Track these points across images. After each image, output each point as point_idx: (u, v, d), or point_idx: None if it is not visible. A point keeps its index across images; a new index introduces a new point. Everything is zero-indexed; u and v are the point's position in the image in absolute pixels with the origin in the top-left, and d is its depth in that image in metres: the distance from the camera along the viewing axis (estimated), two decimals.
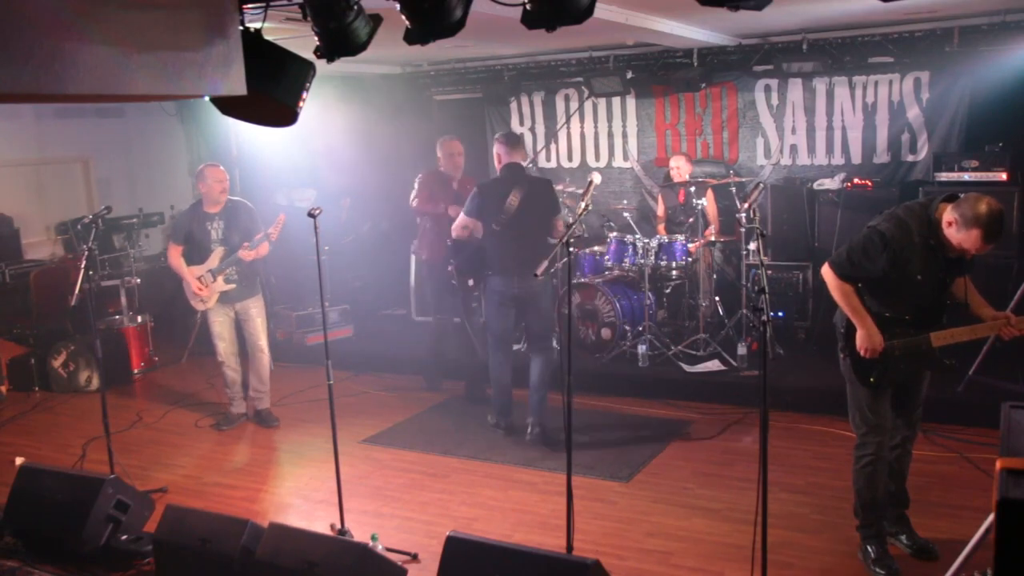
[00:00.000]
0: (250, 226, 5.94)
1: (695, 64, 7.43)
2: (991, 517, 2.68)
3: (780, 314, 7.02)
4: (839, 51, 6.90)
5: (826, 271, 3.72)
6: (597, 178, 4.42)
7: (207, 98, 3.03)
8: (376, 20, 3.32)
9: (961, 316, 3.72)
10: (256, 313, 6.10)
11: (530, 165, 8.06)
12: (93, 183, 9.09)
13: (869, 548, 3.84)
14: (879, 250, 3.55)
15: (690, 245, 6.81)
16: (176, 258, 6.00)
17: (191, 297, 6.05)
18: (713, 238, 6.84)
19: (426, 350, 6.90)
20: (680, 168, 7.28)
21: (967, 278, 3.71)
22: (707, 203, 7.00)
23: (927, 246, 3.53)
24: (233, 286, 5.96)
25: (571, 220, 4.31)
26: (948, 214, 3.46)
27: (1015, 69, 6.28)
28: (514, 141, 5.67)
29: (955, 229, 3.43)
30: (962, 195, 3.51)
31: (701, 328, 6.82)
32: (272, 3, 3.35)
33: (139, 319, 7.79)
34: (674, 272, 6.86)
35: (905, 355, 3.65)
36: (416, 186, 6.46)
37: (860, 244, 3.63)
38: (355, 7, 3.18)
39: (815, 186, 7.02)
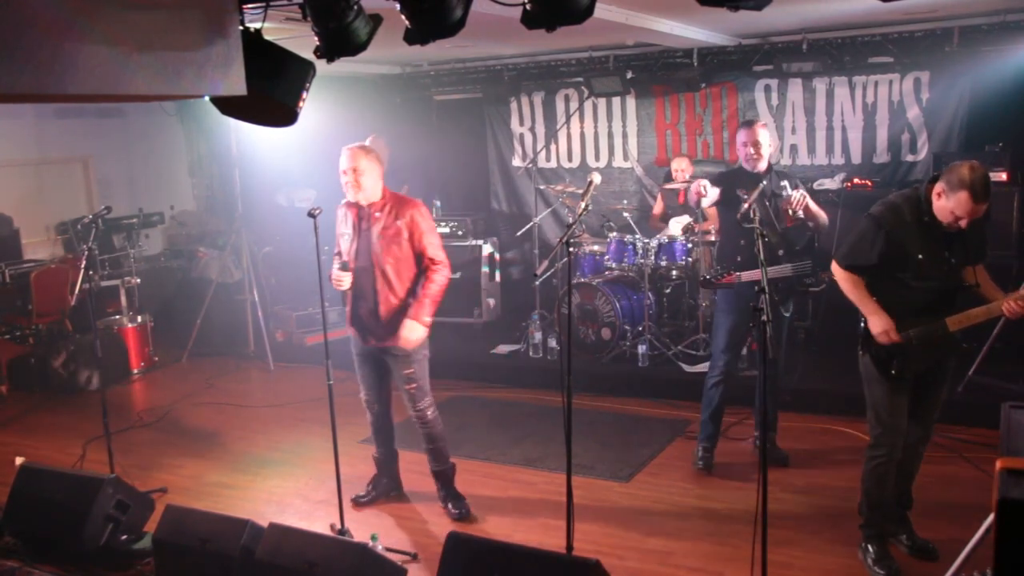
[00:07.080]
0: None
1: (695, 64, 7.43)
2: (991, 517, 2.69)
3: None
4: (839, 51, 6.90)
5: (834, 266, 3.83)
6: (597, 178, 4.41)
7: (207, 98, 3.03)
8: (376, 20, 3.32)
9: (972, 302, 3.74)
10: None
11: (530, 166, 8.06)
12: (93, 183, 9.09)
13: (870, 547, 3.85)
14: (874, 233, 3.65)
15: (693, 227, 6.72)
16: None
17: None
18: (714, 237, 6.81)
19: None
20: (683, 170, 7.27)
21: (980, 268, 3.75)
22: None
23: (921, 223, 3.61)
24: None
25: (571, 220, 4.30)
26: (936, 186, 3.56)
27: (1015, 69, 6.28)
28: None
29: (944, 198, 3.51)
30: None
31: (701, 328, 6.82)
32: (272, 3, 3.35)
33: (139, 319, 7.78)
34: (674, 272, 6.86)
35: (922, 343, 3.68)
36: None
37: (857, 232, 3.75)
38: (355, 7, 3.18)
39: (815, 186, 7.00)
